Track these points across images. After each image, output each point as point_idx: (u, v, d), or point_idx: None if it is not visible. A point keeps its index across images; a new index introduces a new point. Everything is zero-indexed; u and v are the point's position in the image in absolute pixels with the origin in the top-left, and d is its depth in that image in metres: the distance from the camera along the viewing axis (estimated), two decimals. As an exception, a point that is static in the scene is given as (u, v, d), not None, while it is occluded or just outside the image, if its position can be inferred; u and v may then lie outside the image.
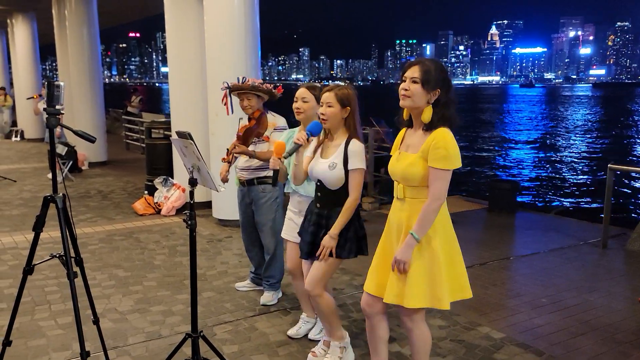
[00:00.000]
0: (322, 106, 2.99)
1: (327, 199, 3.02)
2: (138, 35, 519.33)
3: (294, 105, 3.39)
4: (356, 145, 2.97)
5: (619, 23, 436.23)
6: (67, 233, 2.60)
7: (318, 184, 3.05)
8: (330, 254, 2.99)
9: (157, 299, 4.37)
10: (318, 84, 3.54)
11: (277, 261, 4.25)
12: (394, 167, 2.63)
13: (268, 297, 4.28)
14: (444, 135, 2.45)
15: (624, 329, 3.82)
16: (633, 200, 14.63)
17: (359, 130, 3.04)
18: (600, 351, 3.50)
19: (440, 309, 2.57)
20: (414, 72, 2.47)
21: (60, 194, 2.58)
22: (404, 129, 2.72)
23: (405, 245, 2.49)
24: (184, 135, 2.70)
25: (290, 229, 3.54)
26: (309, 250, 3.10)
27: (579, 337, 3.71)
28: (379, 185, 8.16)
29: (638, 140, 30.02)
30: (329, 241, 2.94)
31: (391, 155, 2.75)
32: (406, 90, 2.47)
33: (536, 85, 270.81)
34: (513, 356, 3.43)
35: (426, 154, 2.47)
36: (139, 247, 5.80)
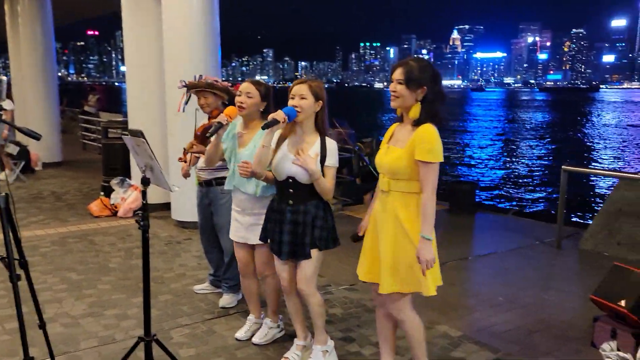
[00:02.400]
0: (293, 98, 2.95)
1: (302, 194, 3.00)
2: (97, 33, 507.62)
3: (237, 99, 3.33)
4: (333, 144, 3.03)
5: (574, 30, 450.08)
6: (11, 234, 2.49)
7: (290, 180, 3.00)
8: (320, 247, 3.02)
9: (111, 302, 4.25)
10: (263, 81, 3.52)
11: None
12: (382, 160, 2.75)
13: (227, 299, 4.22)
14: (429, 130, 2.59)
15: (576, 326, 3.92)
16: (586, 200, 15.08)
17: (327, 126, 3.05)
18: (553, 348, 3.58)
19: (427, 295, 2.68)
20: (399, 74, 2.62)
21: (3, 194, 2.46)
22: (394, 124, 2.86)
23: (423, 246, 2.59)
24: (135, 134, 2.62)
25: (235, 229, 3.49)
26: (291, 250, 3.05)
27: (533, 335, 3.78)
28: (341, 187, 8.16)
29: (590, 142, 31.01)
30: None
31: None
32: (394, 91, 2.63)
33: (487, 89, 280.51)
34: (470, 354, 3.46)
35: (412, 148, 2.60)
36: (93, 249, 5.64)
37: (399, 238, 2.67)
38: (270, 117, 2.89)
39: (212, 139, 3.16)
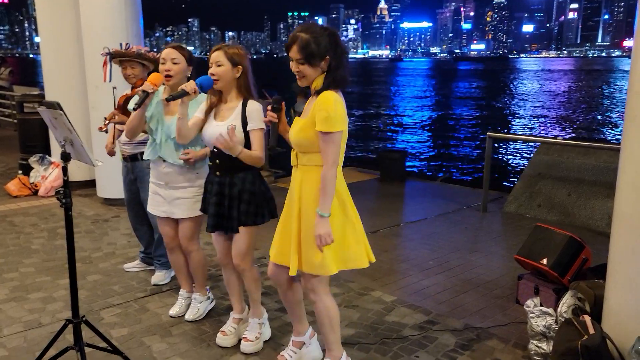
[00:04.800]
0: (211, 66, 2.87)
1: (227, 165, 2.91)
2: (6, 1, 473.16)
3: (162, 67, 3.19)
4: (254, 105, 2.90)
5: (495, 0, 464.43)
6: None
7: (215, 150, 2.91)
8: (247, 223, 2.92)
9: (35, 285, 4.06)
10: (183, 45, 3.38)
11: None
12: (290, 134, 2.62)
13: (160, 276, 4.12)
14: (327, 97, 2.41)
15: (502, 285, 4.12)
16: (509, 166, 15.79)
17: (254, 92, 2.96)
18: (481, 306, 3.75)
19: (328, 274, 2.57)
20: (294, 53, 2.43)
21: None
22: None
23: (319, 222, 2.44)
24: (52, 105, 2.45)
25: (157, 203, 3.38)
26: (215, 222, 2.97)
27: (462, 295, 3.94)
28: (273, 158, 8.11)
29: (513, 109, 32.35)
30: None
31: None
32: (298, 71, 2.46)
33: (405, 59, 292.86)
34: (403, 317, 3.57)
35: (313, 118, 2.44)
36: (13, 231, 5.33)
37: (303, 216, 2.54)
38: (180, 88, 2.82)
39: (138, 110, 3.00)
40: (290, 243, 2.62)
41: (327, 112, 2.37)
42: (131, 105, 2.87)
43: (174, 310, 3.58)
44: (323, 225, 2.44)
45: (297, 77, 2.49)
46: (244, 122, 2.87)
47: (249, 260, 3.04)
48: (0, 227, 5.47)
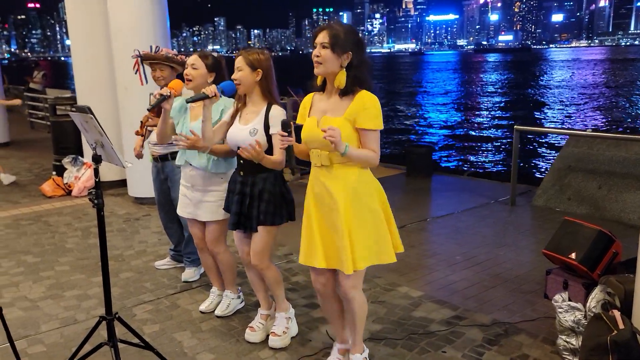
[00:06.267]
0: (235, 72, 2.97)
1: (251, 166, 2.97)
2: (38, 6, 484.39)
3: (185, 72, 3.32)
4: (277, 110, 2.96)
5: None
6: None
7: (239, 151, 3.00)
8: (265, 223, 2.97)
9: (71, 283, 4.18)
10: (214, 54, 3.45)
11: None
12: (312, 132, 2.55)
13: (189, 273, 4.21)
14: (371, 97, 2.49)
15: (530, 280, 4.08)
16: (538, 158, 15.53)
17: (276, 95, 3.03)
18: (509, 301, 3.72)
19: (390, 262, 2.65)
20: (323, 37, 2.47)
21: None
22: (310, 95, 2.71)
23: (340, 140, 2.39)
24: (83, 109, 2.53)
25: (184, 205, 3.47)
26: (236, 221, 3.05)
27: (490, 290, 3.92)
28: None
29: (541, 101, 31.75)
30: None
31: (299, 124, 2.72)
32: (318, 56, 2.47)
33: (426, 52, 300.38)
34: (430, 312, 3.57)
35: (354, 116, 2.47)
36: (49, 230, 5.50)
37: (355, 211, 2.54)
38: (202, 90, 2.93)
39: (161, 114, 3.10)
40: (336, 244, 2.57)
41: (376, 110, 2.49)
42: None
43: (204, 306, 3.66)
44: (339, 137, 2.37)
45: (314, 65, 2.49)
46: (267, 126, 2.94)
47: (266, 259, 3.09)
48: (36, 226, 5.65)
